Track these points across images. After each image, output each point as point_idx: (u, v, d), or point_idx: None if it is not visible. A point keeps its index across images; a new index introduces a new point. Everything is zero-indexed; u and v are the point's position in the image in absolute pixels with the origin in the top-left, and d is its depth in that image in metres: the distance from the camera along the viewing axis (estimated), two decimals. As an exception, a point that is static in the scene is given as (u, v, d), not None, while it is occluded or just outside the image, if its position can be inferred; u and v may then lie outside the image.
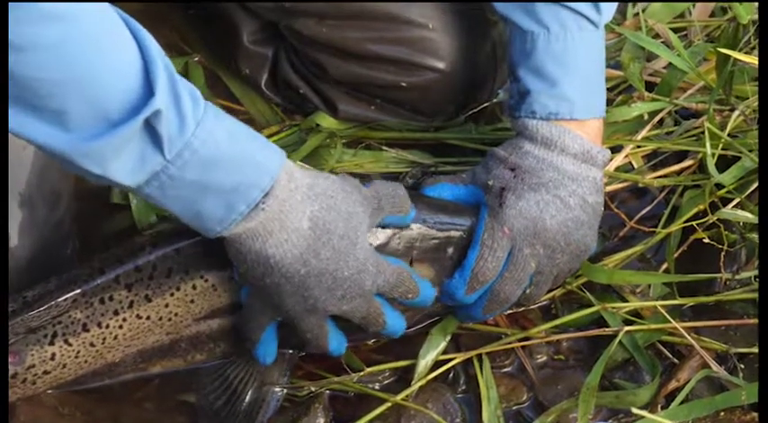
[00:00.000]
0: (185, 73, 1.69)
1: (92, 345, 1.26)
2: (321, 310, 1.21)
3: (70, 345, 1.25)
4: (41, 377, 1.26)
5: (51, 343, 1.25)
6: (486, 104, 1.64)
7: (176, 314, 1.27)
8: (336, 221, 1.18)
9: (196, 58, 1.71)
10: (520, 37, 1.39)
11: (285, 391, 1.33)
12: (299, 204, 1.17)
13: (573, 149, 1.35)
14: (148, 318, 1.27)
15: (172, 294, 1.27)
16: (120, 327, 1.26)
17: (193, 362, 1.32)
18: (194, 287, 1.27)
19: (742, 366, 1.33)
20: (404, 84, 1.57)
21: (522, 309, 1.42)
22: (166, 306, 1.27)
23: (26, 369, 1.25)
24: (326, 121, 1.61)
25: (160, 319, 1.27)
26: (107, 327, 1.26)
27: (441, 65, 1.56)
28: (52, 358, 1.25)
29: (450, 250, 1.34)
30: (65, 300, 1.24)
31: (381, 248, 1.28)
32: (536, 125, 1.36)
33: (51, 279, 1.27)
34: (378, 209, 1.23)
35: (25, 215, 1.31)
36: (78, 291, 1.25)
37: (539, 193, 1.33)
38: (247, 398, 1.31)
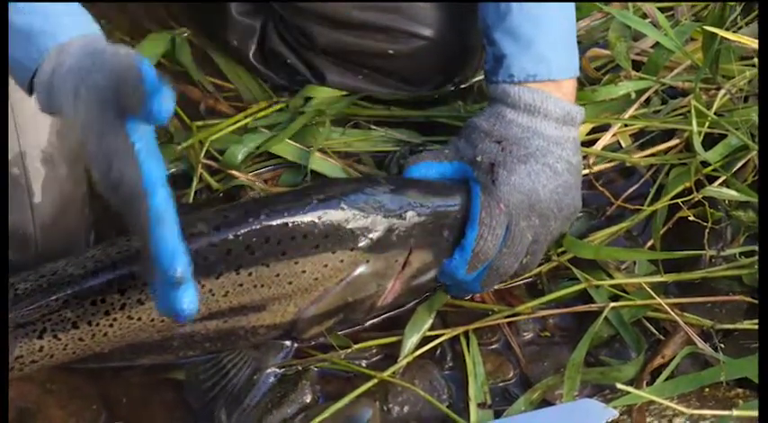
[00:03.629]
0: (172, 48, 1.69)
1: (80, 340, 1.26)
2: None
3: (59, 339, 1.25)
4: (29, 365, 1.26)
5: (40, 337, 1.25)
6: (475, 80, 1.64)
7: None
8: (86, 92, 1.10)
9: (185, 35, 1.71)
10: (493, 3, 1.39)
11: (276, 376, 1.33)
12: (63, 76, 1.11)
13: (555, 114, 1.36)
14: (140, 319, 1.26)
15: None
16: (111, 325, 1.26)
17: (185, 357, 1.32)
18: None
19: (722, 345, 1.33)
20: (391, 51, 1.57)
21: (511, 284, 1.43)
22: None
23: (14, 359, 1.25)
24: (318, 91, 1.61)
25: (152, 320, 1.26)
26: (97, 325, 1.25)
27: (427, 32, 1.56)
28: (40, 350, 1.25)
29: (446, 232, 1.34)
30: (56, 299, 1.24)
31: (379, 243, 1.30)
32: (518, 92, 1.36)
33: (45, 271, 1.26)
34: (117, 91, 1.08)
35: (47, 172, 1.33)
36: (70, 292, 1.24)
37: (528, 164, 1.33)
38: (238, 382, 1.31)
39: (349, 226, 1.28)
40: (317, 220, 1.27)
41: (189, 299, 1.05)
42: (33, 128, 1.32)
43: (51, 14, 1.13)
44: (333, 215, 1.28)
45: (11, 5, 1.12)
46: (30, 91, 1.14)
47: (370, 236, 1.29)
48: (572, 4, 1.42)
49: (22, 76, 1.13)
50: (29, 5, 1.12)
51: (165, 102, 1.00)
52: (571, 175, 1.36)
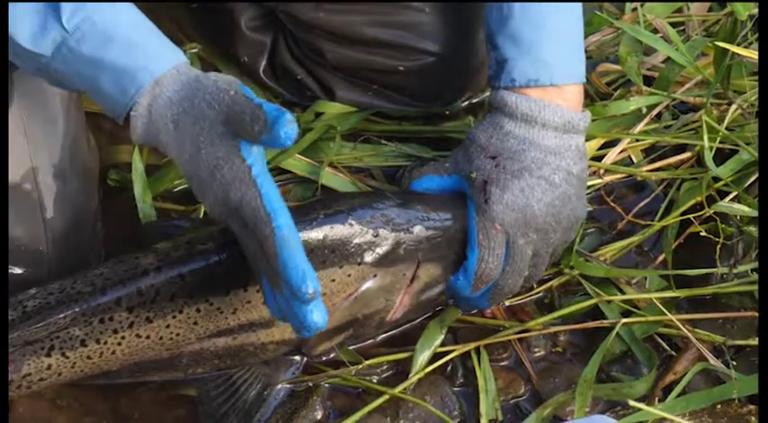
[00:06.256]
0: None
1: (89, 358, 1.26)
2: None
3: (67, 357, 1.25)
4: (36, 383, 1.26)
5: (48, 355, 1.24)
6: (485, 95, 1.64)
7: (177, 334, 1.27)
8: (190, 124, 1.15)
9: (195, 50, 1.71)
10: (497, 6, 1.39)
11: (286, 392, 1.33)
12: (162, 108, 1.16)
13: (554, 122, 1.34)
14: (148, 337, 1.26)
15: (174, 317, 1.26)
16: (119, 344, 1.26)
17: (194, 374, 1.32)
18: (198, 310, 1.26)
19: (734, 362, 1.33)
20: (401, 68, 1.57)
21: (522, 300, 1.43)
22: (167, 327, 1.26)
23: (22, 377, 1.25)
24: (329, 106, 1.61)
25: (160, 338, 1.27)
26: (105, 343, 1.25)
27: (437, 49, 1.56)
28: (48, 368, 1.25)
29: (454, 245, 1.35)
30: (64, 317, 1.24)
31: (387, 257, 1.30)
32: (515, 101, 1.35)
33: (53, 289, 1.26)
34: (228, 120, 1.14)
35: (60, 187, 1.34)
36: (78, 309, 1.24)
37: (522, 179, 1.33)
38: (249, 398, 1.31)
39: (356, 240, 1.28)
40: (323, 235, 1.27)
41: (320, 314, 1.11)
42: (45, 143, 1.33)
43: (140, 47, 1.15)
44: (340, 230, 1.28)
45: (102, 38, 1.14)
46: (124, 121, 1.17)
47: (378, 250, 1.29)
48: (578, 11, 1.41)
49: (117, 111, 1.16)
50: (118, 40, 1.14)
51: (290, 126, 1.07)
52: (570, 186, 1.35)
